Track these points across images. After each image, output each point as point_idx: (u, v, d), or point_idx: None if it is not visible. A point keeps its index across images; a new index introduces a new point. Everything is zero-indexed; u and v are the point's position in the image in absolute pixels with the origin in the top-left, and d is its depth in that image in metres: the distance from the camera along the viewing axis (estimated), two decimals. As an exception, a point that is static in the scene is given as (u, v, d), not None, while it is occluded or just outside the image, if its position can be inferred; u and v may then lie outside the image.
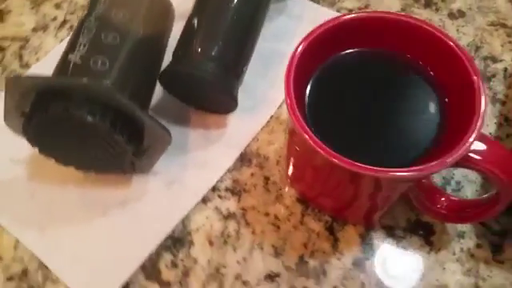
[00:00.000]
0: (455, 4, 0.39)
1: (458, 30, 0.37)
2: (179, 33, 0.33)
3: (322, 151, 0.22)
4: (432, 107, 0.25)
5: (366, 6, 0.39)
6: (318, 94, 0.26)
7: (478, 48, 0.36)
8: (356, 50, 0.27)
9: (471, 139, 0.22)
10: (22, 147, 0.29)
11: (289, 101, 0.23)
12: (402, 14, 0.26)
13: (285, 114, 0.34)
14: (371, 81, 0.26)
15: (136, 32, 0.31)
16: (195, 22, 0.32)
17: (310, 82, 0.27)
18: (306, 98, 0.26)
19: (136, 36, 0.30)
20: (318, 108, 0.26)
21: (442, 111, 0.25)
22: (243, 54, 0.32)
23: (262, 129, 0.34)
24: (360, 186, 0.25)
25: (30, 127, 0.27)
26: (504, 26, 0.37)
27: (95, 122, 0.26)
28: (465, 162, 0.23)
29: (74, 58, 0.28)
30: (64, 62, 0.29)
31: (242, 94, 0.34)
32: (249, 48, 0.33)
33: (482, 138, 0.23)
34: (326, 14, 0.39)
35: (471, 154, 0.22)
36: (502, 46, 0.36)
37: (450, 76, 0.24)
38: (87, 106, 0.26)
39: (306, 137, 0.22)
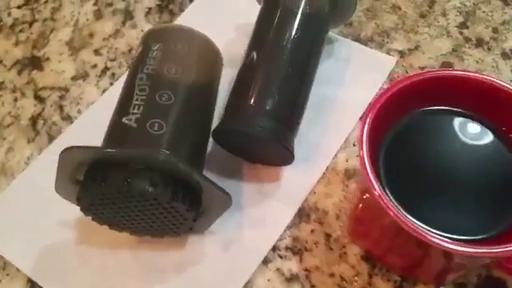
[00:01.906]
0: (507, 43, 0.37)
1: (513, 71, 0.35)
2: (227, 81, 0.31)
3: (397, 218, 0.20)
4: (509, 170, 0.23)
5: (416, 48, 0.37)
6: (392, 151, 0.24)
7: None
8: (434, 107, 0.25)
9: None
10: (69, 209, 0.27)
11: (366, 163, 0.21)
12: (485, 75, 0.24)
13: (341, 163, 0.32)
14: (449, 141, 0.24)
15: (188, 87, 0.29)
16: (247, 73, 0.30)
17: (385, 137, 0.25)
18: (379, 156, 0.24)
19: (188, 92, 0.29)
20: (391, 167, 0.24)
21: None
22: (299, 106, 0.30)
23: (318, 181, 0.32)
24: (431, 256, 0.23)
25: (85, 198, 0.25)
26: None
27: (157, 193, 0.24)
28: None
29: (129, 121, 0.26)
30: (118, 126, 0.27)
31: (295, 144, 0.32)
32: (304, 99, 0.31)
33: None
34: (375, 57, 0.37)
35: None
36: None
37: None
38: (148, 176, 0.24)
39: (386, 206, 0.20)
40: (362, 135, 0.23)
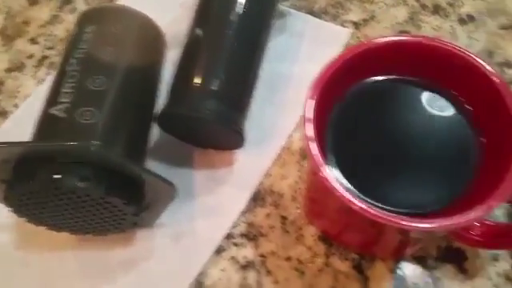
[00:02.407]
0: (464, 8, 0.36)
1: (469, 37, 0.34)
2: (173, 63, 0.29)
3: (345, 200, 0.19)
4: (467, 142, 0.22)
5: (372, 18, 0.35)
6: (341, 127, 0.23)
7: (491, 54, 0.33)
8: (385, 77, 0.23)
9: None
10: (4, 211, 0.24)
11: (310, 142, 0.20)
12: (440, 40, 0.22)
13: (297, 143, 0.31)
14: (401, 112, 0.23)
15: (124, 71, 0.26)
16: (191, 53, 0.28)
17: (333, 110, 0.23)
18: (328, 131, 0.22)
19: (125, 76, 0.26)
20: (341, 142, 0.23)
21: (478, 148, 0.22)
22: (248, 85, 0.29)
23: (273, 162, 0.30)
24: (387, 233, 0.22)
25: (12, 197, 0.23)
26: (516, 28, 0.34)
27: (89, 188, 0.22)
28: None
29: (58, 112, 0.24)
30: (46, 118, 0.25)
31: (247, 125, 0.30)
32: (254, 77, 0.29)
33: None
34: (329, 30, 0.35)
35: None
36: (516, 49, 0.33)
37: (488, 109, 0.21)
38: (77, 171, 0.22)
39: (331, 186, 0.19)
40: (306, 113, 0.21)
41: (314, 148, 0.20)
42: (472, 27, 0.35)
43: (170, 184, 0.25)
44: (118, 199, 0.23)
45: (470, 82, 0.21)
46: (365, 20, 0.36)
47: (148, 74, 0.29)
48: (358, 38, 0.35)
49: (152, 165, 0.30)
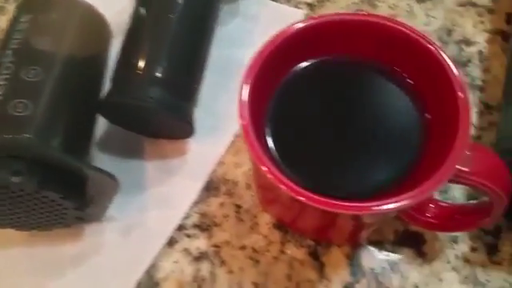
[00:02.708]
0: (420, -15, 0.35)
1: (427, 14, 0.33)
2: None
3: (286, 188, 0.18)
4: (411, 121, 0.21)
5: (326, -1, 0.34)
6: (281, 113, 0.22)
7: (449, 32, 0.32)
8: (322, 58, 0.22)
9: (455, 165, 0.18)
10: None
11: (245, 122, 0.19)
12: (375, 14, 0.21)
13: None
14: (343, 93, 0.22)
15: (63, 62, 0.25)
16: (133, 37, 0.27)
17: (272, 99, 0.22)
18: (267, 119, 0.21)
19: (63, 66, 0.25)
20: (282, 130, 0.22)
21: (422, 126, 0.21)
22: (194, 70, 0.27)
23: (226, 150, 0.29)
24: (337, 219, 0.21)
25: None
26: (474, 4, 0.34)
27: (21, 182, 0.21)
28: (451, 180, 0.19)
29: (-12, 104, 0.23)
30: (-22, 112, 0.23)
31: (199, 112, 0.29)
32: (200, 61, 0.28)
33: (471, 148, 0.19)
34: (283, 12, 0.34)
35: (458, 167, 0.19)
36: (475, 26, 0.33)
37: (431, 85, 0.20)
38: (9, 164, 0.21)
39: (269, 175, 0.18)
40: (240, 100, 0.20)
41: (250, 136, 0.19)
42: (429, 5, 0.34)
43: (112, 177, 0.24)
44: (54, 193, 0.22)
45: (411, 58, 0.20)
46: (319, 1, 0.35)
47: (91, 64, 0.27)
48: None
49: (101, 157, 0.29)
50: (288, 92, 0.22)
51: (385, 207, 0.18)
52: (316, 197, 0.18)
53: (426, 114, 0.21)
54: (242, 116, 0.19)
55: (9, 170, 0.21)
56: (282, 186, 0.18)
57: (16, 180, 0.21)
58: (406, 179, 0.20)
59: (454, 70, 0.19)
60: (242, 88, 0.20)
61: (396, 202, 0.18)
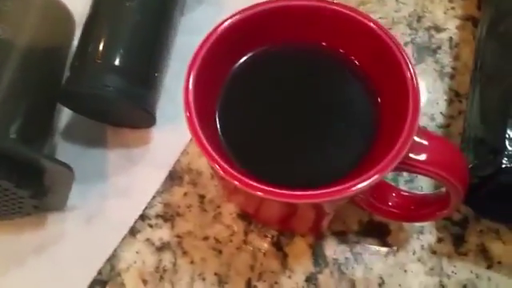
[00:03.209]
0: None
1: (397, 1, 0.32)
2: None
3: (232, 179, 0.17)
4: (363, 106, 0.20)
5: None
6: (231, 103, 0.21)
7: (419, 18, 0.31)
8: (272, 45, 0.22)
9: (403, 150, 0.17)
10: None
11: (188, 114, 0.18)
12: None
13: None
14: (292, 82, 0.21)
15: (19, 52, 0.24)
16: (91, 26, 0.26)
17: (221, 88, 0.21)
18: (217, 110, 0.21)
19: (19, 57, 0.24)
20: (233, 120, 0.21)
21: (374, 111, 0.20)
22: (155, 58, 0.26)
23: (191, 139, 0.28)
24: (293, 208, 0.20)
25: None
26: (445, -10, 0.32)
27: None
28: (404, 168, 0.18)
29: None
30: None
31: (164, 101, 0.28)
32: (162, 49, 0.27)
33: (422, 134, 0.18)
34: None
35: (411, 155, 0.18)
36: (445, 13, 0.32)
37: (381, 68, 0.20)
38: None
39: (216, 166, 0.17)
40: (185, 90, 0.19)
41: (195, 128, 0.18)
42: (400, -9, 0.33)
43: (68, 167, 0.23)
44: (7, 182, 0.21)
45: (359, 41, 0.20)
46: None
47: (52, 54, 0.27)
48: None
49: (64, 145, 0.28)
50: (238, 81, 0.21)
51: (330, 196, 0.17)
52: (263, 187, 0.17)
53: (378, 99, 0.20)
54: (186, 107, 0.18)
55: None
56: (227, 177, 0.18)
57: (-35, 168, 0.20)
58: (359, 167, 0.20)
59: (401, 50, 0.18)
60: (186, 78, 0.19)
61: (338, 189, 0.17)
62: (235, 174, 0.17)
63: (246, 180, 0.18)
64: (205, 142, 0.18)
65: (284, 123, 0.21)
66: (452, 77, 0.30)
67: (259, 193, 0.17)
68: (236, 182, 0.18)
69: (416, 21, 0.31)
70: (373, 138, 0.19)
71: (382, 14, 0.32)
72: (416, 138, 0.18)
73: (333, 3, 0.20)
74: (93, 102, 0.26)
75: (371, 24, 0.20)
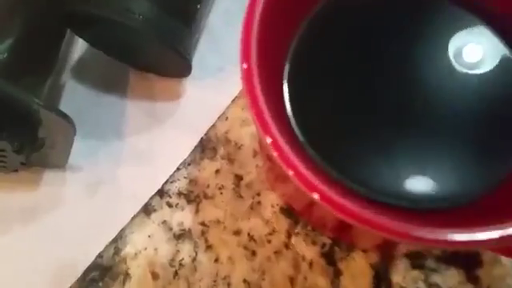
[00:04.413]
0: None
1: None
2: None
3: (294, 176, 0.11)
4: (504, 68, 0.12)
5: None
6: (305, 70, 0.14)
7: None
8: None
9: None
10: None
11: (247, 83, 0.11)
12: None
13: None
14: (399, 47, 0.13)
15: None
16: None
17: (293, 43, 0.14)
18: (286, 79, 0.13)
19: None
20: (307, 91, 0.14)
21: None
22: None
23: (233, 101, 0.21)
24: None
25: None
26: None
27: None
28: None
29: None
30: None
31: (203, 46, 0.21)
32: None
33: None
34: None
35: None
36: None
37: None
38: None
39: (274, 152, 0.11)
40: (246, 38, 0.12)
41: (254, 87, 0.11)
42: None
43: (65, 117, 0.16)
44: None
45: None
46: None
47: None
48: None
49: (74, 86, 0.22)
50: (314, 39, 0.13)
51: (442, 241, 0.10)
52: (341, 201, 0.10)
53: None
54: (244, 57, 0.11)
55: None
56: (290, 171, 0.11)
57: None
58: (493, 195, 0.12)
59: None
60: (248, 15, 0.12)
61: (461, 232, 0.10)
62: (315, 181, 0.10)
63: (323, 187, 0.11)
64: (267, 115, 0.11)
65: (381, 104, 0.13)
66: None
67: (340, 214, 0.11)
68: (305, 188, 0.11)
69: None
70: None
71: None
72: None
73: None
74: (113, 34, 0.18)
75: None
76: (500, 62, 0.13)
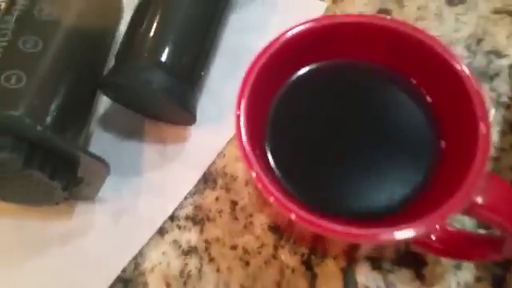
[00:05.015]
0: (454, -13, 0.30)
1: (457, 19, 0.29)
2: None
3: (274, 201, 0.15)
4: (425, 140, 0.18)
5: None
6: (281, 121, 0.19)
7: (479, 41, 0.28)
8: (329, 62, 0.19)
9: (470, 193, 0.15)
10: None
11: (241, 141, 0.16)
12: (390, 19, 0.18)
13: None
14: (350, 102, 0.19)
15: (65, 34, 0.22)
16: (140, 17, 0.24)
17: (272, 105, 0.19)
18: (267, 127, 0.18)
19: (64, 39, 0.22)
20: (282, 140, 0.19)
21: (437, 148, 0.18)
22: (202, 56, 0.24)
23: (228, 142, 0.26)
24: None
25: None
26: (511, 13, 0.29)
27: (5, 158, 0.18)
28: (466, 211, 0.16)
29: (-18, 73, 0.20)
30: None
31: (205, 99, 0.26)
32: (210, 47, 0.25)
33: (487, 176, 0.16)
34: (304, 1, 0.30)
35: (473, 202, 0.15)
36: (508, 37, 0.28)
37: (450, 104, 0.17)
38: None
39: (259, 184, 0.15)
40: (236, 108, 0.17)
41: (246, 148, 0.16)
42: (461, 9, 0.29)
43: (103, 161, 0.21)
44: (40, 173, 0.19)
45: (431, 71, 0.17)
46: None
47: (94, 39, 0.24)
48: (335, 12, 0.30)
49: (101, 133, 0.26)
50: (290, 98, 0.19)
51: (383, 236, 0.15)
52: (308, 217, 0.15)
53: (441, 140, 0.17)
54: (238, 132, 0.16)
55: (-6, 144, 0.19)
56: (271, 198, 0.15)
57: (2, 155, 0.19)
58: (414, 202, 0.17)
59: (478, 92, 0.15)
60: (241, 89, 0.17)
61: (397, 230, 0.15)
62: (290, 205, 0.15)
63: (294, 207, 0.15)
64: (249, 152, 0.16)
65: (337, 146, 0.18)
66: (508, 107, 0.26)
67: (309, 226, 0.15)
68: (292, 216, 0.15)
69: (475, 43, 0.28)
70: (432, 173, 0.17)
71: (439, 33, 0.28)
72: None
73: (399, 22, 0.17)
74: (134, 95, 0.24)
75: (449, 58, 0.17)
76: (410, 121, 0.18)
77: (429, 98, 0.18)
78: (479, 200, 0.16)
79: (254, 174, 0.16)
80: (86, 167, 0.21)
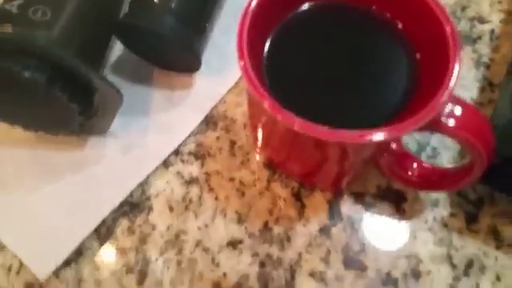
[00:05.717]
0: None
1: (443, -14, 0.31)
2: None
3: (278, 115, 0.17)
4: (402, 65, 0.20)
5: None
6: (277, 53, 0.21)
7: (464, 8, 0.30)
8: (318, 3, 0.21)
9: (442, 101, 0.17)
10: None
11: (243, 63, 0.18)
12: None
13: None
14: (335, 37, 0.21)
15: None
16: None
17: (268, 39, 0.21)
18: (264, 58, 0.20)
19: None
20: (278, 68, 0.21)
21: (412, 69, 0.20)
22: (208, 8, 0.26)
23: (230, 90, 0.28)
24: (324, 150, 0.20)
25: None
26: (493, -18, 0.31)
27: (29, 77, 0.20)
28: (436, 127, 0.18)
29: (10, 7, 0.22)
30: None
31: (209, 52, 0.28)
32: (215, 2, 0.27)
33: (456, 101, 0.18)
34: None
35: (443, 118, 0.18)
36: (491, 5, 0.30)
37: (421, 29, 0.19)
38: (20, 59, 0.20)
39: (264, 102, 0.17)
40: (239, 40, 0.19)
41: (249, 74, 0.18)
42: (448, -22, 0.32)
43: (118, 91, 0.23)
44: (61, 93, 0.21)
45: (401, 2, 0.19)
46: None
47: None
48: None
49: (112, 78, 0.28)
50: (284, 34, 0.21)
51: (366, 137, 0.17)
52: (307, 123, 0.17)
53: (417, 56, 0.19)
54: (240, 56, 0.18)
55: (21, 64, 0.21)
56: (279, 116, 0.17)
57: (27, 74, 0.21)
58: (396, 117, 0.19)
59: (442, 9, 0.18)
60: (241, 25, 0.19)
61: (379, 131, 0.17)
62: (285, 113, 0.17)
63: (295, 117, 0.17)
64: (257, 83, 0.18)
65: (326, 73, 0.20)
66: (488, 67, 0.28)
67: (296, 125, 0.17)
68: (279, 117, 0.17)
69: (460, 10, 0.30)
70: (411, 93, 0.19)
71: None
72: (450, 104, 0.18)
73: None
74: (146, 39, 0.26)
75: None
76: (389, 48, 0.20)
77: (401, 27, 0.21)
78: (454, 119, 0.18)
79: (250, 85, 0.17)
80: (103, 96, 0.23)
